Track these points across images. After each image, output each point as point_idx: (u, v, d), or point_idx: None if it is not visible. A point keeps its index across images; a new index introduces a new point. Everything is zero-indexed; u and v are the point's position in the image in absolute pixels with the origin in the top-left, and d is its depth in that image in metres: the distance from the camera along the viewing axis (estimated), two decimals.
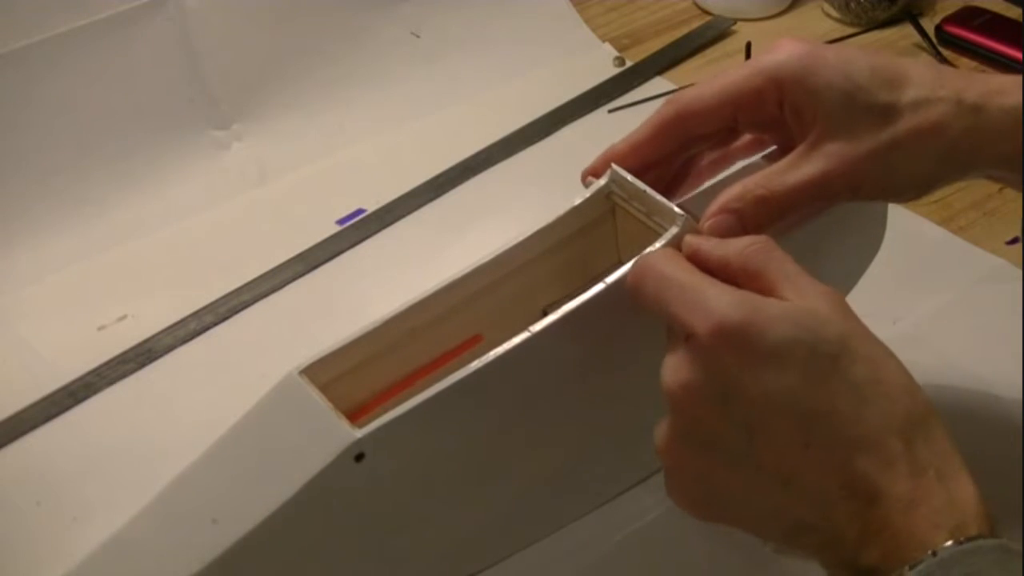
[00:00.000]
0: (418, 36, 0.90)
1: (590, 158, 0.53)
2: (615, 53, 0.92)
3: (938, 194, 0.76)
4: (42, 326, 0.71)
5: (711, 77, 0.51)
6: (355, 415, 0.47)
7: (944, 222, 0.75)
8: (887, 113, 0.48)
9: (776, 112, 0.50)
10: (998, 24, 0.91)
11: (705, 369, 0.41)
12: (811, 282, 0.43)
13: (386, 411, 0.45)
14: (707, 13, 0.97)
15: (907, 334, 0.66)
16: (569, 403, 0.50)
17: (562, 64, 0.91)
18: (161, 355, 0.70)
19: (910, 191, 0.51)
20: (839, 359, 0.41)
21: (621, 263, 0.48)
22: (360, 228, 0.78)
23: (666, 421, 0.43)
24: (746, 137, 0.54)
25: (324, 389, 0.46)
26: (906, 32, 0.92)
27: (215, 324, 0.72)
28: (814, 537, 0.41)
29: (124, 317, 0.72)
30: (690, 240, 0.46)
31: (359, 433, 0.44)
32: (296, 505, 0.44)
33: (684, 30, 0.95)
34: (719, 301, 0.41)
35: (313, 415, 0.45)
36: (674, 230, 0.48)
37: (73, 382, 0.68)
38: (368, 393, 0.49)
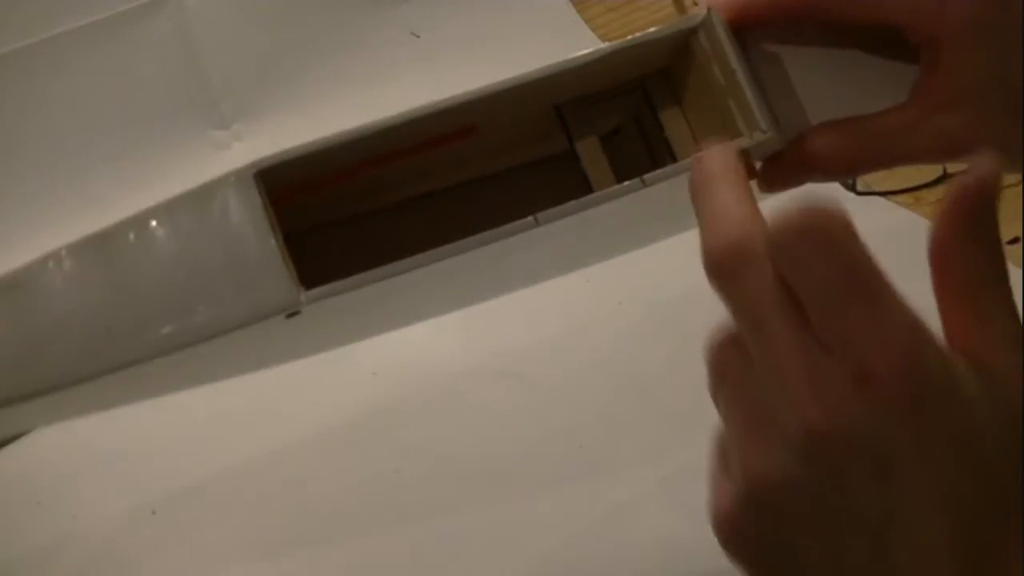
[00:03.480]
0: (418, 36, 0.90)
1: None
2: None
3: (938, 193, 0.77)
4: None
5: None
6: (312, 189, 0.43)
7: None
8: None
9: (915, 43, 0.42)
10: None
11: (881, 417, 0.31)
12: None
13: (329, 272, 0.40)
14: None
15: None
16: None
17: None
18: None
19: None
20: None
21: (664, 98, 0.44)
22: None
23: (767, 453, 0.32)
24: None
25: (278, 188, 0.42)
26: None
27: None
28: None
29: None
30: None
31: (303, 297, 0.40)
32: (203, 343, 0.40)
33: None
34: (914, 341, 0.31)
35: (264, 260, 0.40)
36: (744, 142, 0.41)
37: None
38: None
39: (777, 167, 0.43)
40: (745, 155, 0.41)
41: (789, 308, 0.32)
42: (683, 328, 0.68)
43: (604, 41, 0.94)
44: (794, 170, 0.43)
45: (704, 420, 0.34)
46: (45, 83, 0.79)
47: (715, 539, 0.33)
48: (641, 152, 0.47)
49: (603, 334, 0.66)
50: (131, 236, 0.43)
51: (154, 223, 0.43)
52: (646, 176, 0.41)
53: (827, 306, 0.31)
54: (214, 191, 0.42)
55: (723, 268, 0.33)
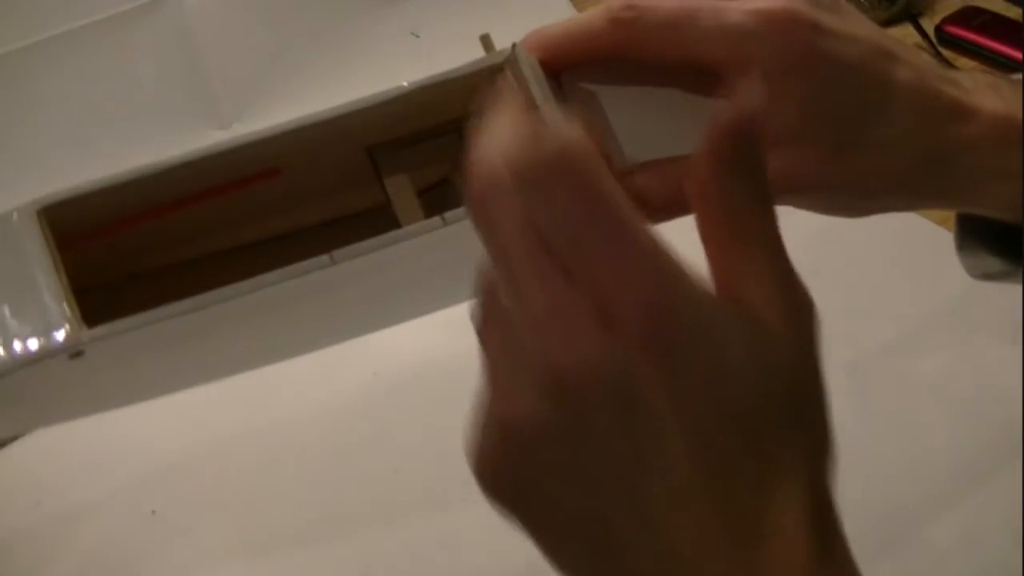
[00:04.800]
0: (418, 36, 0.90)
1: None
2: None
3: None
4: None
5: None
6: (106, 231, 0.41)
7: (944, 222, 0.75)
8: (853, 147, 0.41)
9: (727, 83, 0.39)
10: (998, 24, 0.91)
11: (626, 361, 0.29)
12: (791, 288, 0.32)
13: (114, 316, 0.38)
14: None
15: (907, 334, 0.66)
16: None
17: None
18: None
19: (846, 215, 0.45)
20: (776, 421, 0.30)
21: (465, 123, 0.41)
22: None
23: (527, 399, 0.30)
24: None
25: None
26: (906, 32, 0.92)
27: None
28: None
29: None
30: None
31: (85, 336, 0.37)
32: None
33: None
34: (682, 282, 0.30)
35: (46, 296, 0.38)
36: None
37: None
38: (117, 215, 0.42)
39: None
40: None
41: (535, 245, 0.30)
42: None
43: None
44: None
45: None
46: (45, 82, 0.79)
47: None
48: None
49: None
50: None
51: None
52: (447, 214, 0.38)
53: (571, 243, 0.29)
54: None
55: (475, 200, 0.31)
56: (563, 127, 0.30)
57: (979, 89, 0.42)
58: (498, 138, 0.31)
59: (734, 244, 0.31)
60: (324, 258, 0.38)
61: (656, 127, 0.42)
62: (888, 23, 0.94)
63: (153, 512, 0.60)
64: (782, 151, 0.40)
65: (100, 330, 0.37)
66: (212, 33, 0.84)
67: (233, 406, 0.65)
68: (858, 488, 0.58)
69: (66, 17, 0.79)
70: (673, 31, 0.40)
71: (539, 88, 0.40)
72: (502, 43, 0.46)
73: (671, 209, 0.39)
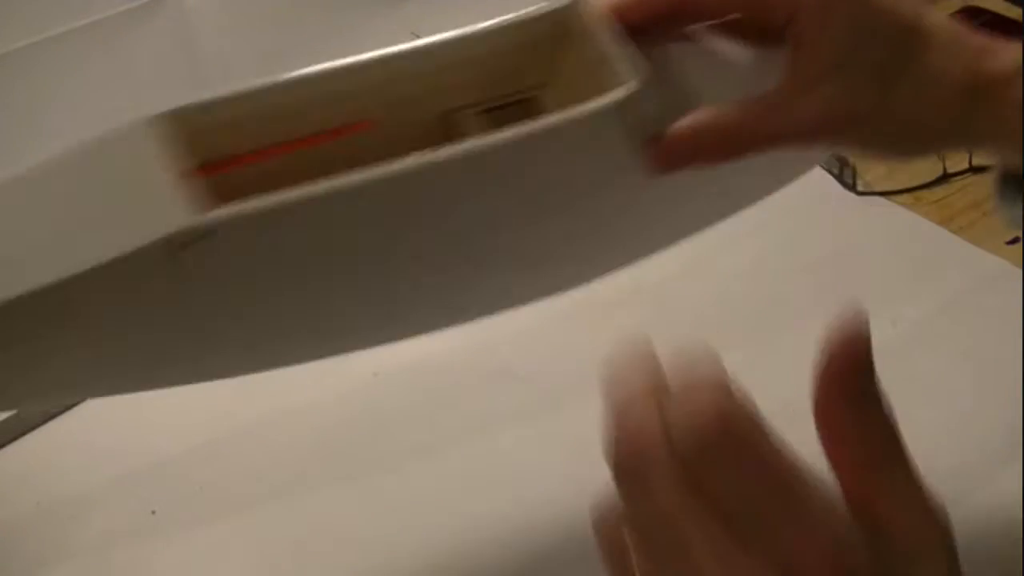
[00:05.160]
0: (418, 36, 0.90)
1: None
2: None
3: (938, 193, 0.77)
4: None
5: None
6: (216, 167, 0.41)
7: (944, 222, 0.75)
8: (898, 73, 0.44)
9: (779, 26, 0.44)
10: (998, 24, 0.91)
11: None
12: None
13: (247, 193, 0.38)
14: None
15: (907, 334, 0.66)
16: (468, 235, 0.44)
17: None
18: None
19: (897, 157, 0.48)
20: None
21: (548, 87, 0.44)
22: None
23: None
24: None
25: (185, 141, 0.41)
26: None
27: None
28: None
29: None
30: None
31: (213, 215, 0.38)
32: (99, 279, 0.37)
33: None
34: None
35: (150, 184, 0.39)
36: (621, 93, 0.42)
37: None
38: (236, 150, 0.43)
39: (665, 146, 0.43)
40: None
41: (704, 513, 0.29)
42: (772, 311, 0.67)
43: None
44: (680, 150, 0.43)
45: None
46: (45, 83, 0.79)
47: None
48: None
49: (603, 332, 0.66)
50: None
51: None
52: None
53: (746, 509, 0.29)
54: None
55: (625, 474, 0.31)
56: (709, 388, 0.30)
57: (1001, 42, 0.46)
58: (640, 411, 0.31)
59: (871, 471, 0.31)
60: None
61: (720, 80, 0.45)
62: None
63: (153, 512, 0.60)
64: (829, 86, 0.43)
65: (230, 208, 0.37)
66: (212, 33, 0.84)
67: (233, 406, 0.65)
68: None
69: (66, 17, 0.79)
70: None
71: (608, 36, 0.43)
72: None
73: (734, 145, 0.43)
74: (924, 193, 0.77)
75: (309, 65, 0.48)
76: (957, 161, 0.78)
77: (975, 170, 0.78)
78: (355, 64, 0.44)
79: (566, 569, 0.56)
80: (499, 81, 0.45)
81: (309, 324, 0.44)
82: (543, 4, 0.45)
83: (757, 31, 0.46)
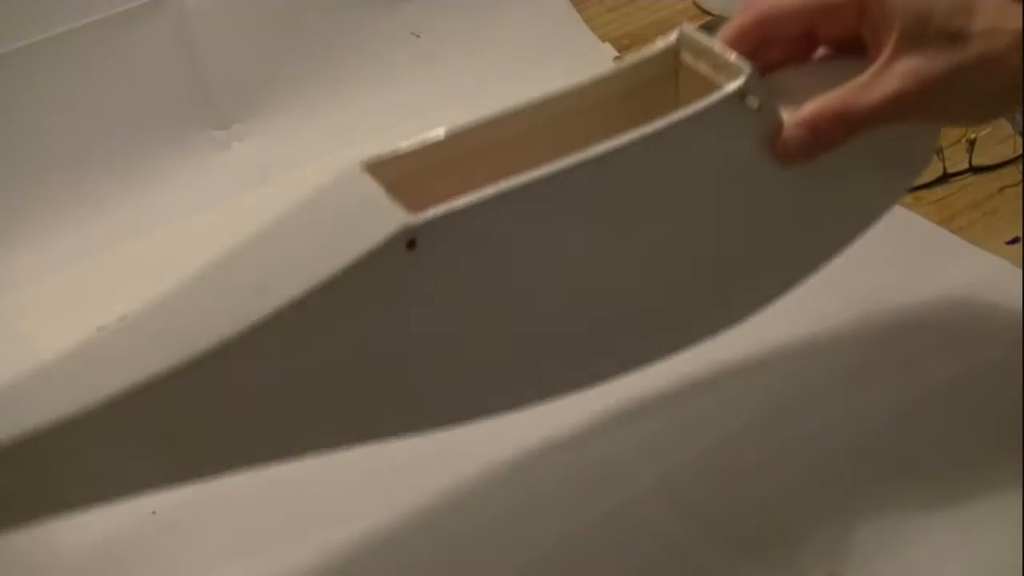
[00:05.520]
0: (418, 36, 0.90)
1: None
2: (615, 53, 0.92)
3: (938, 193, 0.77)
4: (42, 326, 0.71)
5: None
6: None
7: (944, 222, 0.75)
8: (958, 38, 0.50)
9: (854, 26, 0.52)
10: None
11: None
12: None
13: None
14: (707, 13, 0.97)
15: (906, 334, 0.66)
16: (630, 239, 0.50)
17: (562, 64, 0.91)
18: None
19: (973, 117, 0.56)
20: None
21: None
22: None
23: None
24: (821, 51, 0.56)
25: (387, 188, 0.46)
26: None
27: None
28: None
29: (124, 317, 0.72)
30: None
31: (413, 219, 0.44)
32: (342, 284, 0.44)
33: None
34: None
35: (368, 201, 0.45)
36: (740, 80, 0.48)
37: None
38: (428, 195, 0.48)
39: (793, 130, 0.50)
40: None
41: None
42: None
43: (604, 41, 0.94)
44: (802, 134, 0.50)
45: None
46: (45, 83, 0.79)
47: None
48: None
49: None
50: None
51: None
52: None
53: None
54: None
55: None
56: None
57: None
58: None
59: None
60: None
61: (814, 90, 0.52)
62: None
63: (153, 512, 0.60)
64: (903, 61, 0.50)
65: (432, 212, 0.44)
66: (212, 33, 0.84)
67: None
68: (858, 488, 0.58)
69: (66, 17, 0.79)
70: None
71: (718, 44, 0.51)
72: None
73: (834, 125, 0.50)
74: (924, 193, 0.77)
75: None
76: (957, 161, 0.78)
77: (975, 170, 0.78)
78: (502, 116, 0.50)
79: (563, 563, 0.56)
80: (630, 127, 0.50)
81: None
82: (649, 45, 0.52)
83: (841, 41, 0.54)
